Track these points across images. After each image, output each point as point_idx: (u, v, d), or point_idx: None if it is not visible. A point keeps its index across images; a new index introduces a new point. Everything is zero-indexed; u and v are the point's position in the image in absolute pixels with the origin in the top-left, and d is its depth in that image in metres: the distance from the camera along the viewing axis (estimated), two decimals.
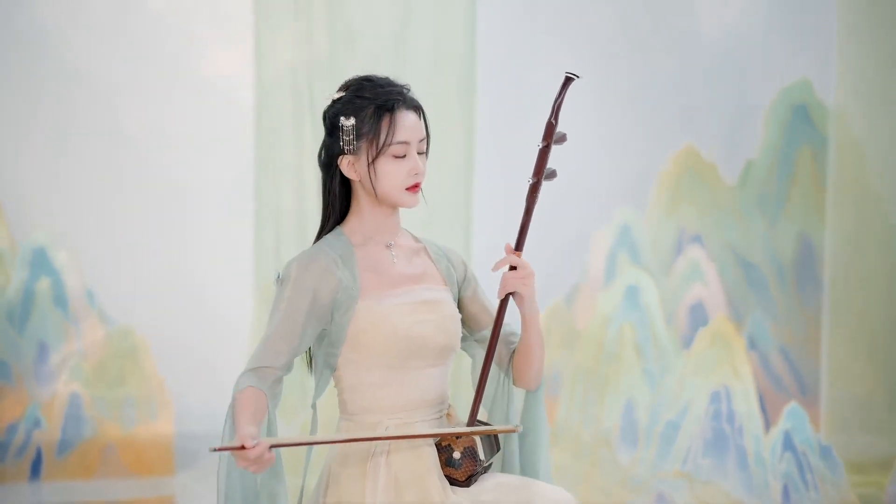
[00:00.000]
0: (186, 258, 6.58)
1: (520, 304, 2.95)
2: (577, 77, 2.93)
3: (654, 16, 6.86)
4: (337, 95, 2.94)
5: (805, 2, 6.81)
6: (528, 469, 3.06)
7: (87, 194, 6.43)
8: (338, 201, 2.97)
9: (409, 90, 2.94)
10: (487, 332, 3.04)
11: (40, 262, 6.25)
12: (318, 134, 6.18)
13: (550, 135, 2.94)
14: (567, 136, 2.94)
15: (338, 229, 2.96)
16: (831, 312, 6.43)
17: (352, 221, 2.96)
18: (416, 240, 3.05)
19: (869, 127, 6.43)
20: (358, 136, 2.88)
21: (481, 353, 3.04)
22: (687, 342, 6.02)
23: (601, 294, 5.98)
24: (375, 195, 2.91)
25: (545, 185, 2.97)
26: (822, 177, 6.70)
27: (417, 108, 2.92)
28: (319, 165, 2.97)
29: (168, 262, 6.55)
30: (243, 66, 6.47)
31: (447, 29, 6.31)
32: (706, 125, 6.86)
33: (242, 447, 2.62)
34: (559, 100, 2.94)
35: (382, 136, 2.86)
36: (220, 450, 2.66)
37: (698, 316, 6.65)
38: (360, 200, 2.95)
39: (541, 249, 6.45)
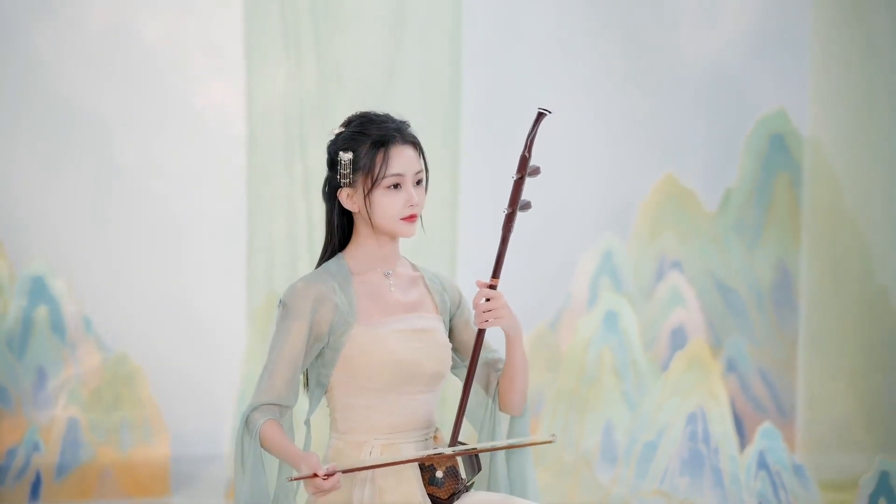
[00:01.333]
0: (181, 286, 6.63)
1: (503, 330, 3.04)
2: (550, 112, 3.01)
3: (637, 50, 6.94)
4: (338, 131, 3.04)
5: (784, 36, 6.89)
6: (517, 486, 3.13)
7: (83, 224, 6.50)
8: (338, 231, 3.07)
9: (407, 126, 3.04)
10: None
11: (38, 290, 6.30)
12: (309, 165, 6.26)
13: (524, 167, 3.01)
14: (540, 169, 3.03)
15: (339, 255, 3.06)
16: (808, 336, 6.47)
17: (352, 249, 3.06)
18: (415, 268, 3.14)
19: (843, 155, 6.48)
20: (355, 170, 2.98)
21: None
22: (665, 365, 6.09)
23: (581, 319, 6.04)
24: (373, 226, 3.02)
25: (532, 214, 3.05)
26: (798, 203, 6.77)
27: (414, 143, 3.02)
28: (322, 196, 3.08)
29: (163, 290, 6.61)
30: (235, 98, 6.53)
31: (433, 63, 6.38)
32: (686, 154, 6.93)
33: (315, 475, 2.78)
34: (532, 134, 3.02)
35: (377, 170, 2.96)
36: (296, 479, 2.82)
37: (679, 340, 6.69)
38: (360, 230, 3.05)
39: (528, 275, 6.54)
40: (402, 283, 3.09)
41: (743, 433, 6.58)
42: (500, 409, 3.13)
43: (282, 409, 2.95)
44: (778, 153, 6.90)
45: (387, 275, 3.07)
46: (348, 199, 3.02)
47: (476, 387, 3.12)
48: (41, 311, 6.29)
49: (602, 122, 6.93)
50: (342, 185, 3.01)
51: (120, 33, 6.56)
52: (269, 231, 6.37)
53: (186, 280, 6.66)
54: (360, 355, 2.97)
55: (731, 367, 6.80)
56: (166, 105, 6.63)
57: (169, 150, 6.63)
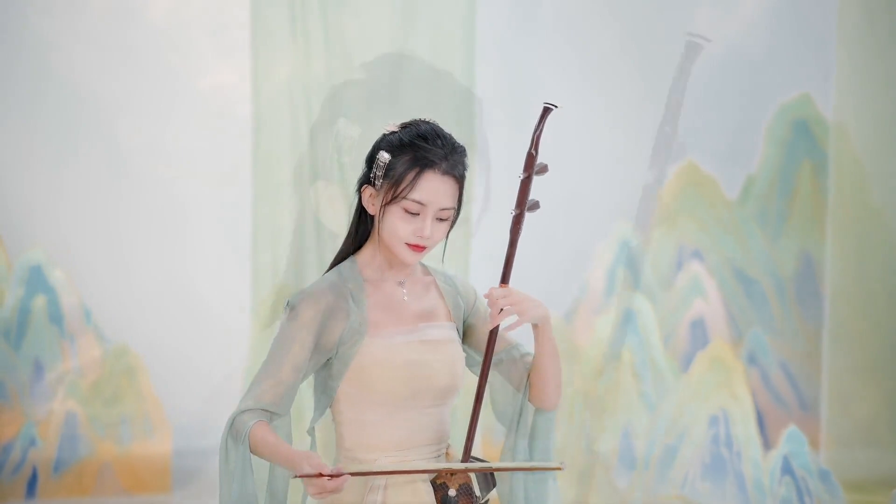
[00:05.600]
0: (183, 276, 6.55)
1: (532, 326, 2.95)
2: (556, 107, 2.90)
3: (656, 32, 6.87)
4: (392, 129, 2.94)
5: (807, 18, 6.85)
6: (534, 502, 3.05)
7: (83, 212, 6.41)
8: (359, 227, 2.98)
9: (460, 155, 2.93)
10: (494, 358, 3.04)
11: (36, 279, 6.26)
12: (316, 151, 6.17)
13: (531, 165, 2.91)
14: (548, 167, 2.92)
15: (353, 259, 2.96)
16: (831, 329, 6.48)
17: (366, 252, 2.97)
18: (427, 272, 3.06)
19: (870, 142, 6.49)
20: (385, 175, 2.87)
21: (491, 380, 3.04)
22: (685, 364, 6.04)
23: (599, 318, 6.00)
24: (379, 236, 2.93)
25: (548, 202, 2.97)
26: (822, 192, 6.72)
27: (456, 177, 2.91)
28: (356, 189, 3.00)
29: (165, 280, 6.53)
30: (242, 81, 6.46)
31: (444, 49, 6.31)
32: (707, 141, 6.87)
33: (320, 475, 2.63)
34: (538, 130, 2.91)
35: (401, 186, 2.85)
36: (301, 476, 2.65)
37: (699, 332, 6.68)
38: (377, 235, 2.96)
39: (543, 265, 6.47)
40: (416, 290, 3.00)
41: (764, 429, 6.55)
42: (532, 404, 3.06)
43: (272, 415, 2.85)
44: (801, 140, 6.85)
45: (400, 283, 2.98)
46: (370, 198, 2.93)
47: (505, 384, 3.06)
48: (39, 302, 6.26)
49: (619, 106, 6.86)
50: (370, 181, 2.91)
51: (123, 12, 6.47)
52: (275, 221, 6.32)
53: (189, 269, 6.58)
54: (371, 367, 2.87)
55: (752, 360, 6.76)
56: (170, 88, 6.55)
57: (173, 135, 6.56)
